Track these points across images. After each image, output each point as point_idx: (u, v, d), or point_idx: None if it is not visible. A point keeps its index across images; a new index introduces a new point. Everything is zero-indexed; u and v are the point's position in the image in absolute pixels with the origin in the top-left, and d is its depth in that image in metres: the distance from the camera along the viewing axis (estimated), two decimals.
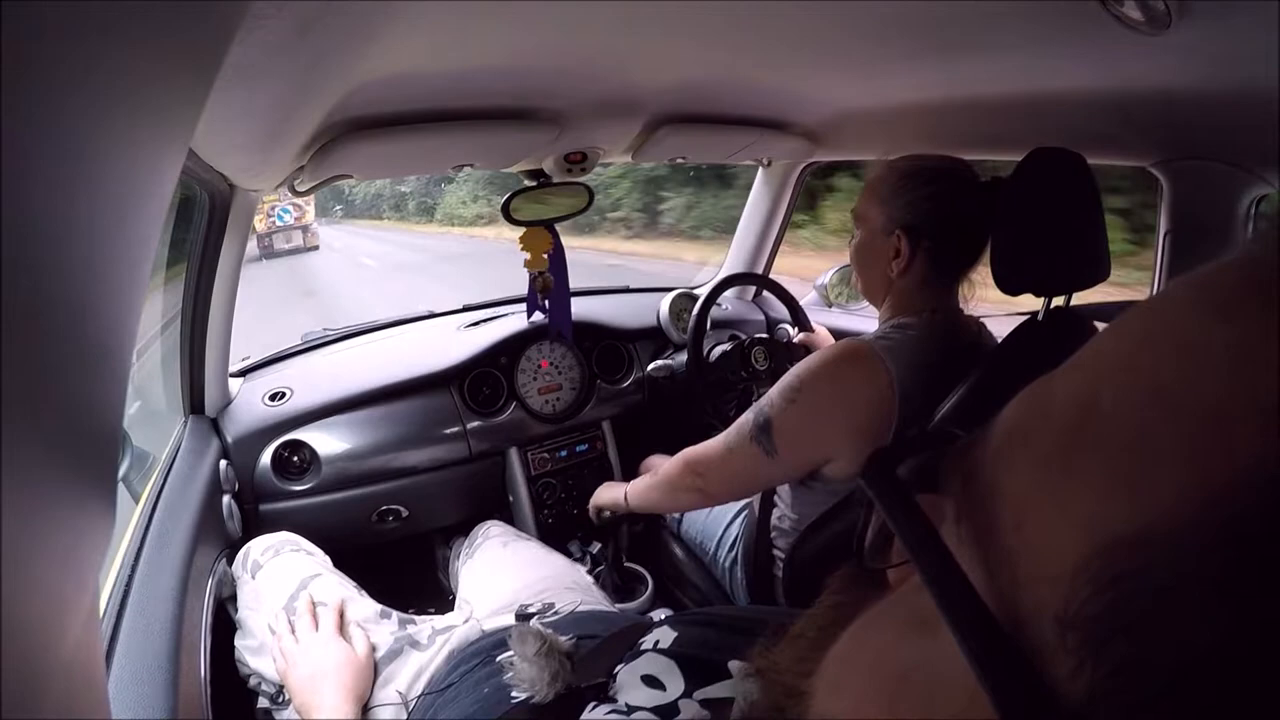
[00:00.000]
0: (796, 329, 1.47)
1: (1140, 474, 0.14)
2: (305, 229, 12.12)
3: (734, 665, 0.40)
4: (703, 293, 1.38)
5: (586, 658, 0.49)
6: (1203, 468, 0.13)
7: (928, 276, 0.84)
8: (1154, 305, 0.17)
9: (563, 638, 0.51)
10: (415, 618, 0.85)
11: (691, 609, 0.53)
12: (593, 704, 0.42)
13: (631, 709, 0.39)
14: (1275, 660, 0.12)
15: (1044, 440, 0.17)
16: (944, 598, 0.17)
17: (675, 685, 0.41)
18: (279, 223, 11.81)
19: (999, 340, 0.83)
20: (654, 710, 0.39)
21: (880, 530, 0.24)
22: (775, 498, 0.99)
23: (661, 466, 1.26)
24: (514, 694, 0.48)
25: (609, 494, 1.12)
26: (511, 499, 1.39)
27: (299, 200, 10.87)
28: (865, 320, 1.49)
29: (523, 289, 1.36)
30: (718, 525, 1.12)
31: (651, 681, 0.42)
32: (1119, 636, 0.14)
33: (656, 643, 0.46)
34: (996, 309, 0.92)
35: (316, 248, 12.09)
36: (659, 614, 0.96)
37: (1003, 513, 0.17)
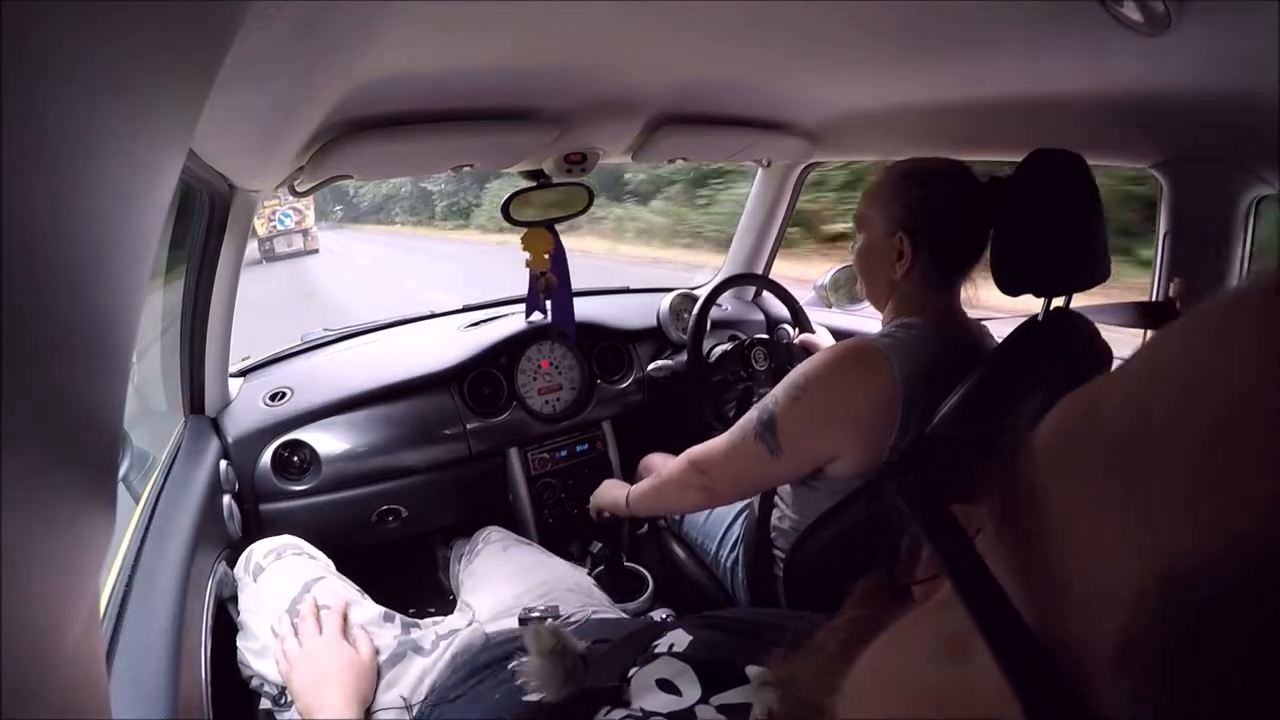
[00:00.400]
0: (796, 329, 1.47)
1: (1206, 490, 0.13)
2: (305, 233, 12.37)
3: (751, 671, 0.40)
4: (703, 293, 1.38)
5: (600, 660, 0.48)
6: (1272, 481, 0.12)
7: (930, 277, 0.84)
8: (1215, 310, 0.16)
9: (576, 640, 0.51)
10: (419, 621, 0.85)
11: (704, 612, 0.53)
12: (607, 709, 0.41)
13: (647, 714, 0.39)
14: None
15: (1096, 451, 0.16)
16: (982, 616, 0.16)
17: (691, 691, 0.40)
18: (280, 227, 12.01)
19: (1000, 341, 0.83)
20: (670, 716, 0.38)
21: (908, 542, 0.23)
22: (775, 498, 0.99)
23: (663, 467, 1.26)
24: (527, 695, 0.47)
25: (610, 495, 1.12)
26: (512, 499, 1.39)
27: (299, 204, 11.40)
28: (865, 320, 1.50)
29: (523, 289, 1.36)
30: (719, 525, 1.12)
31: (667, 686, 0.41)
32: (1183, 662, 0.13)
33: (671, 646, 0.45)
34: (991, 313, 0.92)
35: (316, 251, 12.34)
36: (659, 614, 0.96)
37: (1051, 529, 0.16)
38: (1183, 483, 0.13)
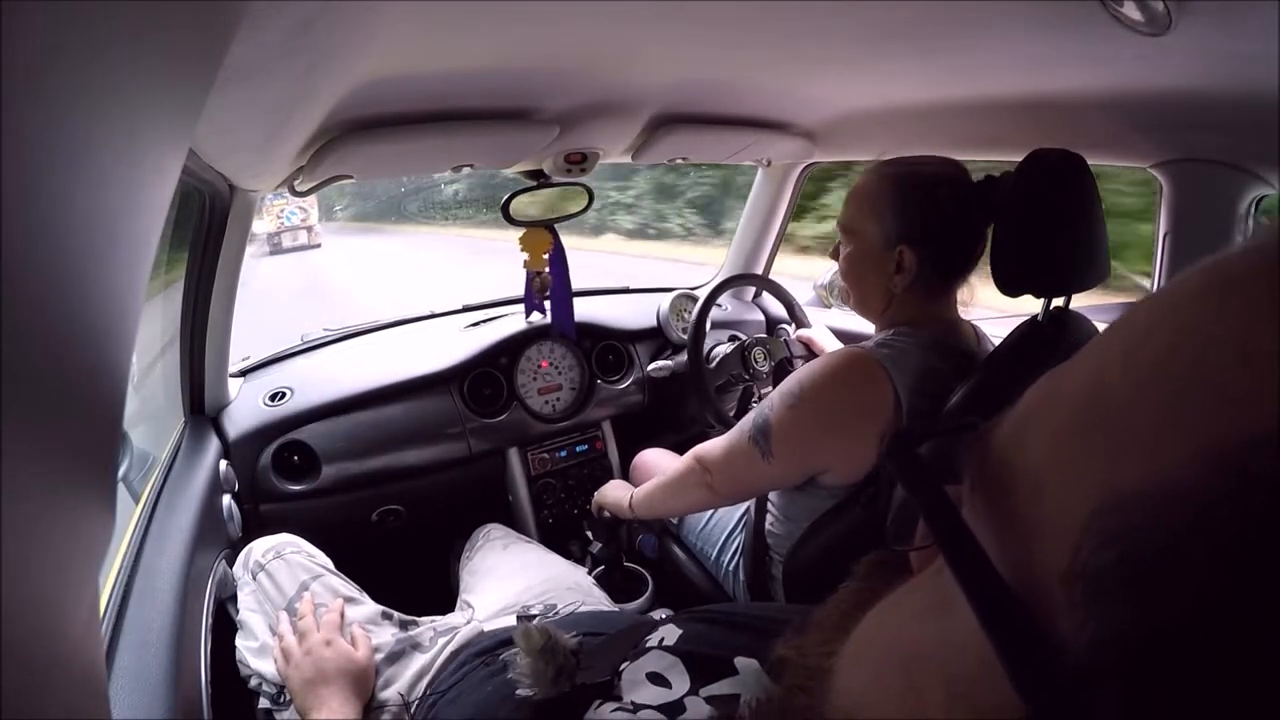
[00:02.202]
0: (795, 327, 1.47)
1: (1146, 440, 0.15)
2: (309, 229, 13.49)
3: (740, 662, 0.40)
4: (703, 293, 1.38)
5: (591, 655, 0.49)
6: (1206, 435, 0.14)
7: (929, 286, 0.82)
8: (1161, 294, 0.17)
9: (567, 635, 0.51)
10: (417, 619, 0.85)
11: (697, 607, 0.53)
12: (598, 702, 0.42)
13: (638, 707, 0.39)
14: (1274, 623, 0.12)
15: (1057, 419, 0.18)
16: (960, 567, 0.18)
17: (681, 683, 0.41)
18: (287, 224, 13.17)
19: (997, 343, 0.82)
20: (660, 708, 0.38)
21: (903, 514, 0.24)
22: (768, 503, 0.99)
23: (661, 464, 1.26)
24: (518, 691, 0.48)
25: (614, 496, 1.11)
26: (511, 499, 1.39)
27: (304, 204, 12.40)
28: (864, 320, 1.49)
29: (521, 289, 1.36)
30: (720, 532, 1.12)
31: (657, 679, 0.41)
32: (1121, 592, 0.14)
33: (661, 640, 0.46)
34: (989, 313, 0.92)
35: (319, 245, 13.38)
36: (659, 614, 0.96)
37: (1016, 487, 0.18)
38: (1127, 436, 0.15)
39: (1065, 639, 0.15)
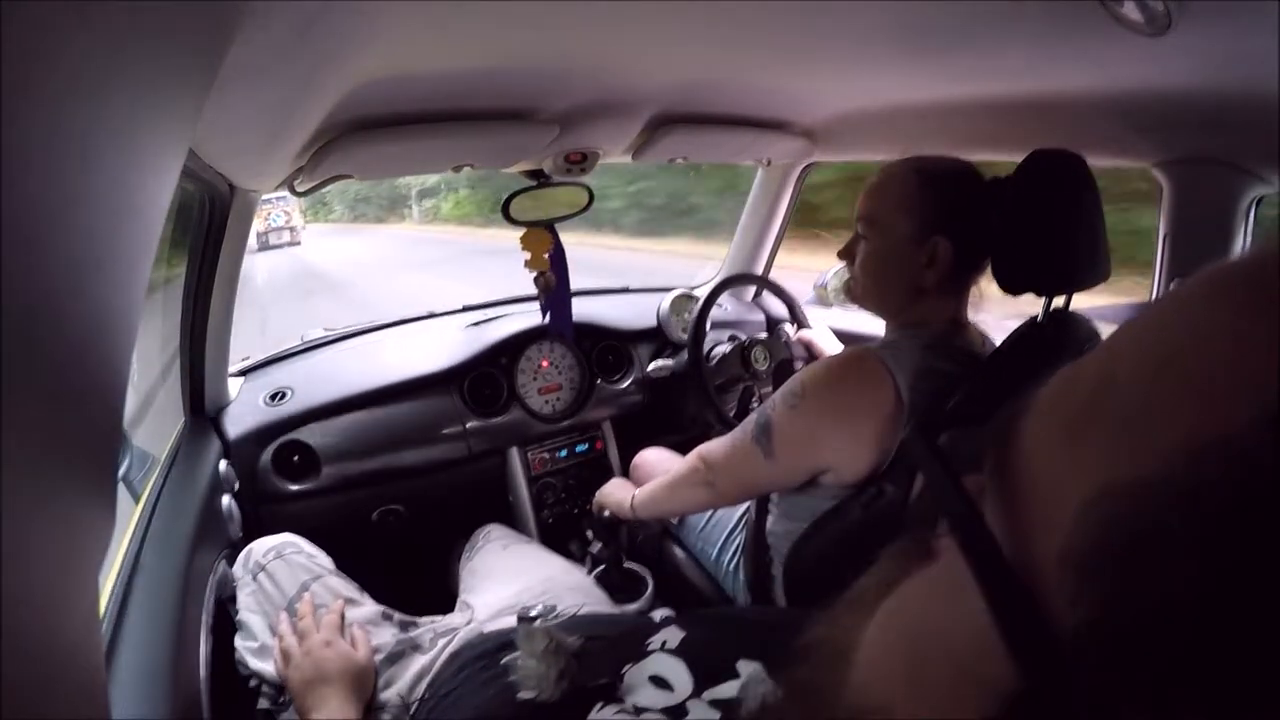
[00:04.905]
0: (795, 327, 1.46)
1: (1142, 431, 0.16)
2: (292, 229, 16.46)
3: (742, 665, 0.40)
4: (703, 293, 1.38)
5: (593, 657, 0.49)
6: (1199, 427, 0.14)
7: (951, 283, 0.81)
8: (1172, 295, 0.18)
9: (569, 637, 0.51)
10: (417, 620, 0.85)
11: (699, 609, 0.53)
12: (600, 704, 0.42)
13: (640, 710, 0.39)
14: (1256, 608, 0.13)
15: (1066, 412, 0.19)
16: (968, 546, 0.19)
17: (684, 686, 0.40)
18: (274, 225, 16.00)
19: (1000, 342, 0.82)
20: (662, 711, 0.38)
21: (924, 500, 0.25)
22: (769, 504, 0.98)
23: (660, 463, 1.26)
24: (519, 694, 0.48)
25: (615, 496, 1.11)
26: (511, 499, 1.39)
27: (287, 209, 15.89)
28: (865, 319, 1.49)
29: (521, 289, 1.36)
30: (720, 532, 1.12)
31: (660, 682, 0.41)
32: (1108, 571, 0.15)
33: (664, 643, 0.46)
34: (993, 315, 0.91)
35: (299, 243, 16.36)
36: (659, 614, 0.96)
37: (1024, 475, 0.19)
38: (1125, 427, 0.16)
39: (1059, 617, 0.16)
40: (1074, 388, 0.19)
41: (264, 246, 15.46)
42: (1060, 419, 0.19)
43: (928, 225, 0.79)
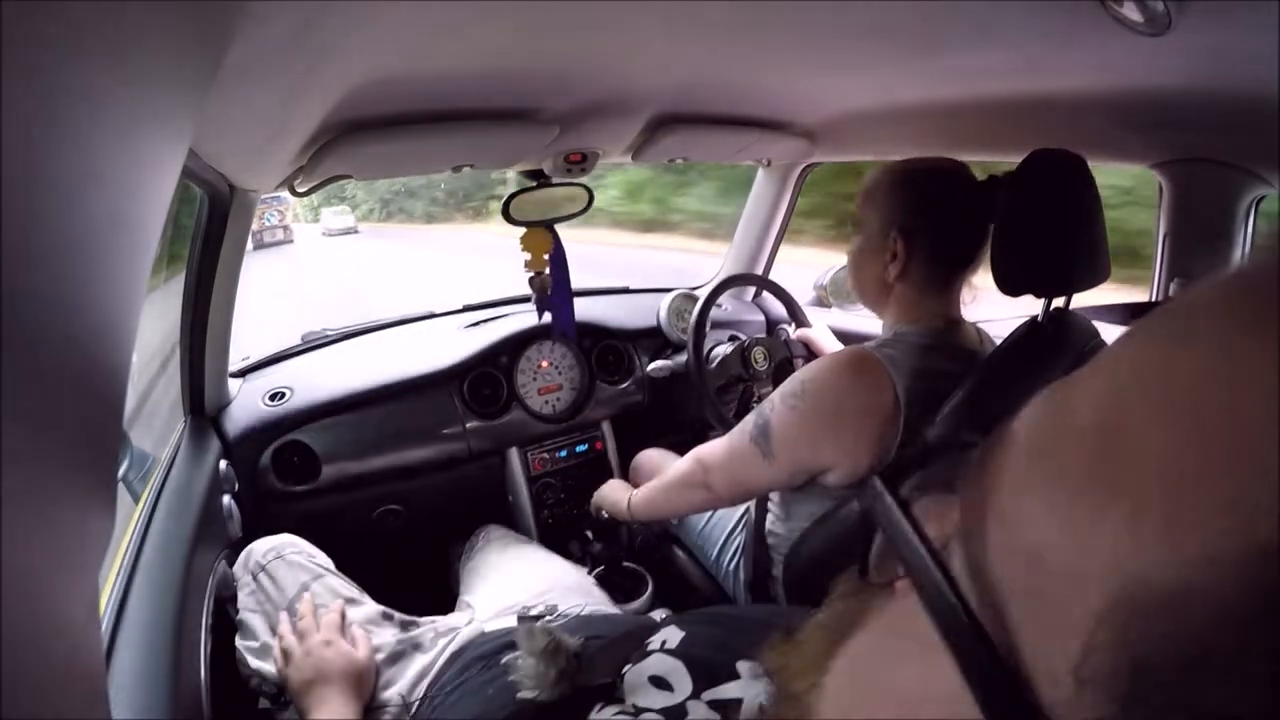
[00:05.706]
0: (795, 327, 1.46)
1: (1174, 510, 0.12)
2: (285, 228, 17.79)
3: (742, 666, 0.40)
4: (703, 293, 1.38)
5: (593, 657, 0.49)
6: (1249, 509, 0.11)
7: (928, 280, 0.83)
8: (1181, 308, 0.15)
9: (570, 638, 0.51)
10: (417, 620, 0.85)
11: (699, 609, 0.53)
12: (600, 705, 0.41)
13: (639, 710, 0.39)
14: None
15: (1064, 455, 0.15)
16: (943, 623, 0.16)
17: (683, 686, 0.40)
18: (268, 224, 17.31)
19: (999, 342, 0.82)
20: (662, 712, 0.38)
21: (886, 543, 0.23)
22: (769, 503, 0.98)
23: (659, 464, 1.26)
24: (520, 693, 0.48)
25: (613, 497, 1.11)
26: (511, 499, 1.39)
27: (280, 209, 17.17)
28: (865, 319, 1.50)
29: (519, 289, 1.36)
30: (720, 528, 1.12)
31: (659, 683, 0.41)
32: (1145, 681, 0.12)
33: (664, 643, 0.46)
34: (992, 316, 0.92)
35: (292, 241, 17.55)
36: (659, 614, 0.96)
37: (1017, 537, 0.16)
38: (1151, 501, 0.13)
39: (1064, 714, 0.14)
40: (1070, 422, 0.16)
41: (260, 245, 16.04)
42: (1059, 466, 0.15)
43: (890, 221, 0.83)
